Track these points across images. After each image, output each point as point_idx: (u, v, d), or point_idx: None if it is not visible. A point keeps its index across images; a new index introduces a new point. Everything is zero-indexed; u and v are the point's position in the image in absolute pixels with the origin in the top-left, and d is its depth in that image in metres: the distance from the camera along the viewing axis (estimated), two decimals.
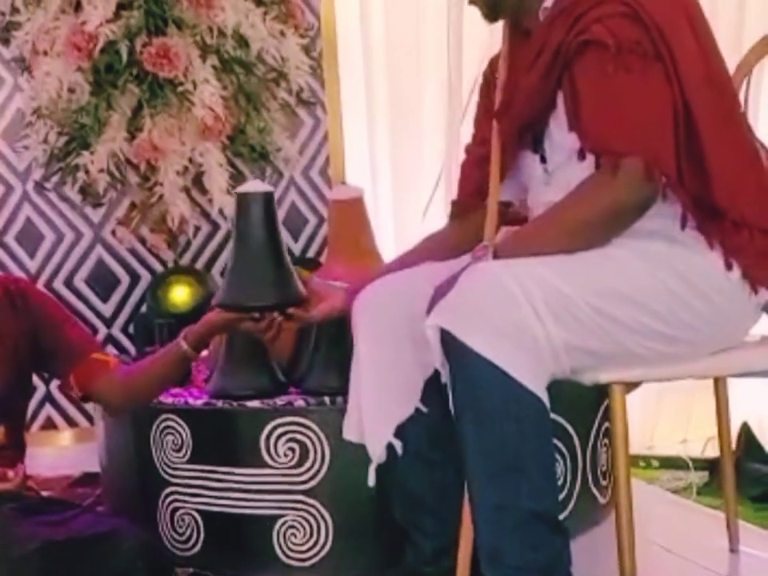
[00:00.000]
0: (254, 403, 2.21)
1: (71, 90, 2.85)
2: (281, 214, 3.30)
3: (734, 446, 3.13)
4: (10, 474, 1.95)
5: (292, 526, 2.20)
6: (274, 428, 2.18)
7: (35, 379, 2.88)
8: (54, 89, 2.84)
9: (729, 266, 1.79)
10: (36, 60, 2.91)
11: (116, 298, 3.17)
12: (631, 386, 1.86)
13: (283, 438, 2.18)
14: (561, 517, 1.74)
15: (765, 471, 3.16)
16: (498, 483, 1.66)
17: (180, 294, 2.95)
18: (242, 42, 2.91)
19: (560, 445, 2.26)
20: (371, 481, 1.93)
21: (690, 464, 3.25)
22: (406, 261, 2.07)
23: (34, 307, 2.13)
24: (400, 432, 1.93)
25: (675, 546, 2.29)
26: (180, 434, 2.26)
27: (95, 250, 3.14)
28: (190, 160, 2.91)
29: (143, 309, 3.10)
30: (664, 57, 1.72)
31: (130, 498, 2.41)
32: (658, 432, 3.53)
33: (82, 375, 2.11)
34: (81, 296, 3.14)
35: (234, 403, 2.22)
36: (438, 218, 3.48)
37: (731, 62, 1.94)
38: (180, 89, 2.83)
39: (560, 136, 1.84)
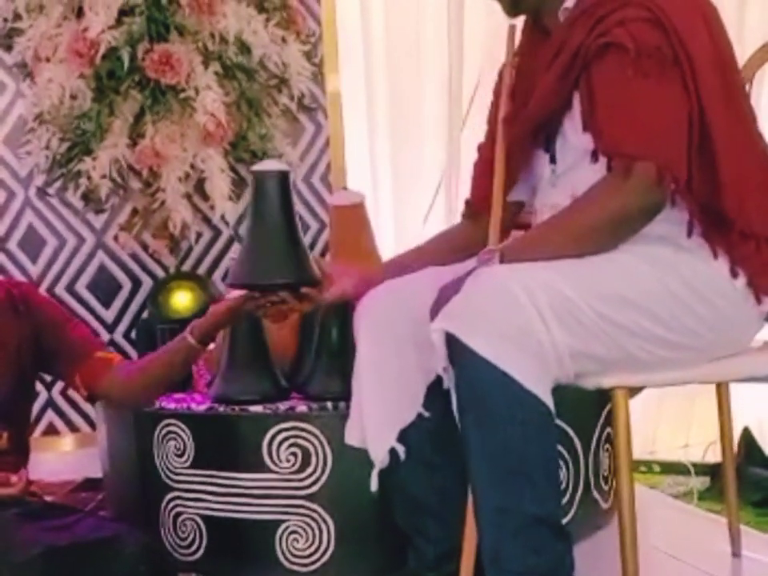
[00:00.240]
0: (257, 408, 2.21)
1: (73, 97, 2.85)
2: None
3: (735, 451, 3.14)
4: (14, 478, 1.95)
5: (294, 531, 2.20)
6: (277, 433, 2.18)
7: (38, 385, 2.91)
8: (56, 95, 2.84)
9: (734, 274, 1.79)
10: (38, 66, 2.91)
11: (118, 303, 3.17)
12: (634, 390, 1.86)
13: (285, 443, 2.18)
14: (563, 521, 1.74)
15: (766, 476, 3.16)
16: (501, 487, 1.66)
17: (182, 300, 2.95)
18: (244, 48, 2.92)
19: (562, 450, 2.27)
20: (374, 486, 1.93)
21: (692, 469, 3.25)
22: (415, 256, 2.07)
23: (36, 310, 2.14)
24: (402, 437, 1.93)
25: (677, 550, 2.29)
26: (182, 439, 2.26)
27: (97, 255, 3.14)
28: (192, 166, 2.91)
29: (145, 314, 3.11)
30: (682, 64, 1.73)
31: (133, 503, 2.41)
32: (659, 437, 3.54)
33: (88, 375, 2.12)
34: (83, 301, 3.14)
35: (237, 408, 2.23)
36: (438, 224, 3.49)
37: None
38: (182, 95, 2.83)
39: (573, 137, 1.84)
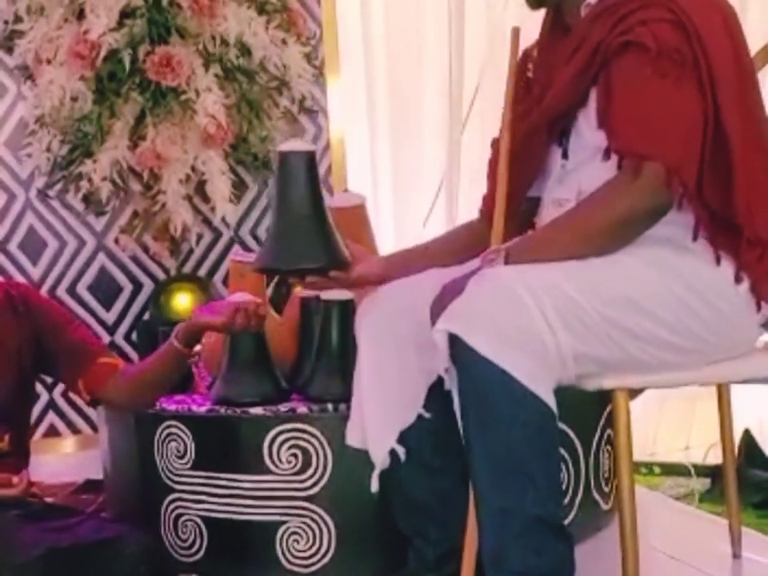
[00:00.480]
0: (257, 410, 2.21)
1: (74, 99, 2.86)
2: None
3: (735, 452, 3.14)
4: (15, 480, 1.95)
5: (295, 533, 2.20)
6: (277, 435, 2.18)
7: (39, 387, 2.92)
8: (57, 97, 2.85)
9: (738, 280, 1.79)
10: (39, 68, 2.92)
11: (119, 305, 3.18)
12: (635, 392, 1.86)
13: (286, 445, 2.18)
14: (564, 522, 1.74)
15: (766, 478, 3.16)
16: (503, 487, 1.66)
17: (182, 302, 2.95)
18: (245, 50, 2.92)
19: (563, 451, 2.26)
20: (374, 487, 1.93)
21: (692, 471, 3.25)
22: (430, 248, 2.06)
23: (36, 311, 2.14)
24: (402, 438, 1.93)
25: (677, 552, 2.29)
26: (183, 440, 2.26)
27: (98, 257, 3.15)
28: (193, 168, 2.92)
29: (146, 316, 3.11)
30: (701, 67, 1.73)
31: (134, 505, 2.41)
32: (660, 439, 3.54)
33: (91, 381, 2.12)
34: (84, 304, 3.14)
35: (237, 410, 2.23)
36: (438, 226, 3.49)
37: None
38: (183, 97, 2.84)
39: (587, 133, 1.84)
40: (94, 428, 2.95)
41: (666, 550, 2.29)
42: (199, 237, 3.14)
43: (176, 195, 2.91)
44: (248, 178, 3.21)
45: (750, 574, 2.21)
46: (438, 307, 1.73)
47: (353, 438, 2.00)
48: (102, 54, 2.80)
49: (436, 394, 1.89)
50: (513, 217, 1.96)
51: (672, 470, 3.38)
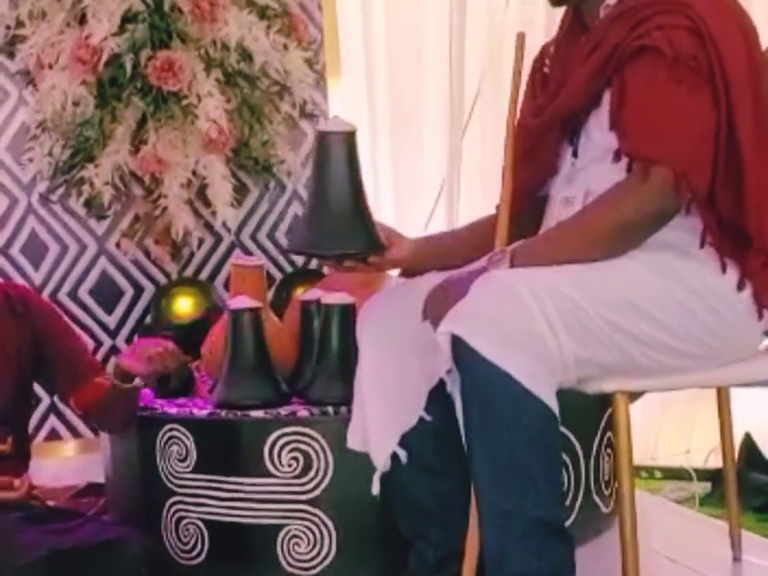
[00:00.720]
0: (258, 413, 2.22)
1: (76, 103, 2.87)
2: (283, 226, 3.32)
3: (736, 456, 3.14)
4: (16, 482, 1.96)
5: (296, 536, 2.20)
6: (278, 438, 2.19)
7: (40, 391, 2.92)
8: (59, 102, 2.85)
9: (741, 287, 1.80)
10: (41, 73, 2.93)
11: (120, 309, 3.18)
12: (635, 395, 1.86)
13: (287, 448, 2.19)
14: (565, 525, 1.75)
15: (767, 482, 3.16)
16: (505, 490, 1.66)
17: (183, 306, 2.96)
18: (246, 55, 2.93)
19: (563, 455, 2.27)
20: (375, 489, 1.94)
21: (693, 474, 3.25)
22: (445, 240, 2.07)
23: (36, 314, 2.15)
24: (404, 441, 1.93)
25: (678, 555, 2.29)
26: (184, 444, 2.27)
27: (99, 261, 3.15)
28: (194, 172, 2.92)
29: (147, 320, 3.11)
30: (716, 76, 1.74)
31: (135, 508, 2.42)
32: (661, 442, 3.53)
33: (82, 399, 2.16)
34: (85, 307, 3.14)
35: (238, 413, 2.23)
36: (439, 230, 3.49)
37: None
38: (184, 102, 2.85)
39: (598, 134, 1.85)
40: (96, 432, 2.94)
41: (666, 553, 2.30)
42: (200, 241, 3.14)
43: (177, 199, 2.91)
44: (249, 182, 3.21)
45: None
46: (432, 305, 1.73)
47: (354, 442, 2.01)
48: (104, 58, 2.81)
49: (437, 396, 1.89)
50: (524, 215, 1.97)
51: (673, 473, 3.38)
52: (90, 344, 3.05)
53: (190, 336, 2.61)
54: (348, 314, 2.23)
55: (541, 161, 1.96)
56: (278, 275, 3.25)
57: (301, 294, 2.65)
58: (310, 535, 2.20)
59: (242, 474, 2.22)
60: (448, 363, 1.71)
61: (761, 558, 2.25)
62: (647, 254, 1.76)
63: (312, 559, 2.20)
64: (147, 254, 3.16)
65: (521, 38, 1.95)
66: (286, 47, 3.00)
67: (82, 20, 2.87)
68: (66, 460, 3.05)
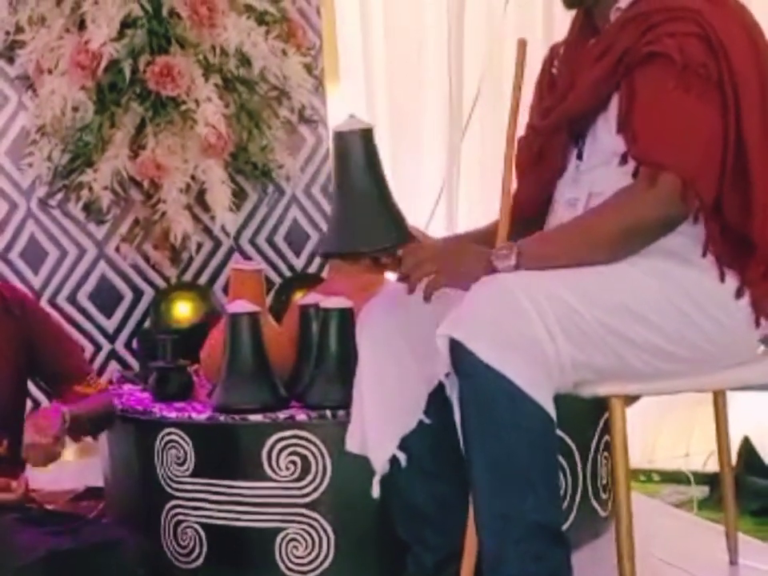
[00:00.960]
0: (256, 417, 2.22)
1: (75, 109, 2.88)
2: (282, 231, 3.33)
3: (733, 459, 3.15)
4: (13, 484, 1.96)
5: (294, 539, 2.21)
6: (276, 442, 2.19)
7: (37, 393, 2.93)
8: (58, 107, 2.87)
9: (740, 295, 1.81)
10: (40, 78, 2.94)
11: (119, 313, 3.19)
12: (630, 399, 1.87)
13: (285, 452, 2.19)
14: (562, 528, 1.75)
15: (765, 485, 3.16)
16: (504, 494, 1.67)
17: (182, 310, 2.96)
18: (245, 60, 2.94)
19: (560, 458, 2.27)
20: (375, 492, 1.94)
21: (692, 478, 3.25)
22: (470, 237, 2.05)
23: (32, 316, 2.16)
24: (402, 445, 1.93)
25: (675, 558, 2.29)
26: (183, 447, 2.27)
27: (98, 266, 3.16)
28: (193, 177, 2.94)
29: (146, 324, 3.12)
30: (725, 84, 1.74)
31: (133, 512, 2.42)
32: (659, 446, 3.54)
33: (63, 403, 2.16)
34: (84, 312, 3.15)
35: (237, 417, 2.23)
36: (439, 233, 3.50)
37: None
38: (183, 107, 2.86)
39: (604, 137, 1.85)
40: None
41: (663, 557, 2.30)
42: (199, 245, 3.15)
43: (176, 204, 2.93)
44: (248, 186, 3.22)
45: None
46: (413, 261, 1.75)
47: (352, 445, 2.01)
48: (103, 64, 2.82)
49: (436, 400, 1.90)
50: (533, 222, 1.96)
51: (671, 477, 3.39)
52: (88, 349, 3.06)
53: (189, 340, 2.61)
54: (346, 318, 2.24)
55: (549, 162, 1.96)
56: (277, 279, 3.26)
57: (300, 298, 2.65)
58: (308, 539, 2.20)
59: (241, 478, 2.22)
60: (447, 367, 1.72)
61: (758, 561, 2.25)
62: (646, 259, 1.77)
63: (310, 563, 2.21)
64: (146, 258, 3.17)
65: (522, 45, 1.92)
66: (284, 52, 3.01)
67: (82, 25, 2.88)
68: (65, 464, 3.04)
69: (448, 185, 3.58)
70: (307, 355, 2.34)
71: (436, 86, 3.56)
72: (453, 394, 1.79)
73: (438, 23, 3.54)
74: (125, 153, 2.89)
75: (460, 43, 3.53)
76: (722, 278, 1.80)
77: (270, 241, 3.32)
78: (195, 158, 2.90)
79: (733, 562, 2.21)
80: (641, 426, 3.39)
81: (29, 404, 2.91)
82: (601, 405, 1.89)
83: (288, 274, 3.32)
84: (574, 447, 2.33)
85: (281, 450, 2.19)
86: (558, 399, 1.70)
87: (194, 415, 2.29)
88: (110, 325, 3.18)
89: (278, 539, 2.21)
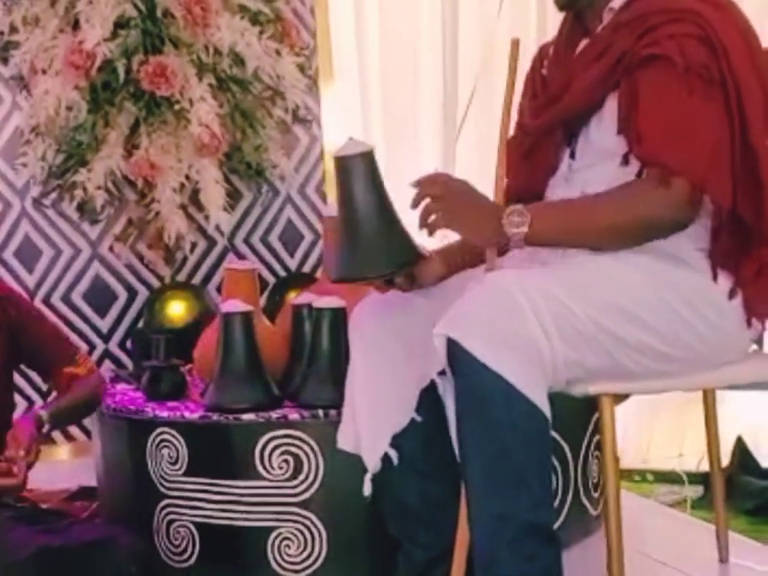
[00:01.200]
0: (249, 416, 2.22)
1: (69, 108, 2.88)
2: (276, 230, 3.33)
3: (727, 459, 3.15)
4: (15, 469, 1.95)
5: (286, 538, 2.21)
6: (269, 441, 2.19)
7: (32, 393, 2.94)
8: (52, 107, 2.87)
9: (732, 295, 1.81)
10: (34, 78, 2.94)
11: (113, 313, 3.19)
12: (620, 398, 1.87)
13: (278, 451, 2.19)
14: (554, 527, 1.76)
15: (759, 485, 3.16)
16: (499, 494, 1.67)
17: (176, 310, 2.96)
18: (238, 60, 2.94)
19: (552, 458, 2.27)
20: (367, 490, 1.95)
21: (685, 478, 3.25)
22: (462, 243, 2.03)
23: (8, 304, 2.17)
24: (394, 442, 1.94)
25: (666, 557, 2.30)
26: (176, 447, 2.28)
27: (92, 265, 3.16)
28: (187, 177, 2.94)
29: (140, 324, 3.12)
30: (727, 84, 1.74)
31: (127, 511, 2.42)
32: (653, 446, 3.54)
33: (56, 388, 2.16)
34: (78, 311, 3.16)
35: (230, 416, 2.24)
36: (434, 237, 3.50)
37: None
38: (177, 107, 2.86)
39: (597, 136, 1.85)
40: (88, 435, 2.96)
41: (655, 555, 2.31)
42: (193, 245, 3.16)
43: (170, 204, 2.93)
44: (242, 186, 3.23)
45: None
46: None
47: (344, 442, 2.01)
48: (97, 63, 2.82)
49: (428, 398, 1.90)
50: None
51: (665, 477, 3.38)
52: (82, 348, 3.06)
53: (183, 340, 2.61)
54: (339, 318, 2.24)
55: (541, 161, 1.97)
56: (272, 279, 3.27)
57: (293, 297, 2.66)
58: (301, 537, 2.21)
59: (233, 477, 2.22)
60: (441, 365, 1.72)
61: (749, 559, 2.26)
62: (641, 258, 1.77)
63: (303, 561, 2.21)
64: (140, 258, 3.17)
65: (515, 44, 1.92)
66: (278, 52, 3.01)
67: (76, 26, 2.88)
68: (59, 463, 3.06)
69: None
70: (300, 355, 2.35)
71: (430, 86, 3.56)
72: (445, 392, 1.79)
73: (433, 24, 3.54)
74: (119, 152, 2.89)
75: (454, 43, 3.53)
76: (715, 278, 1.80)
77: (265, 240, 3.33)
78: (189, 157, 2.90)
79: (723, 560, 2.21)
80: (635, 427, 3.40)
81: (24, 403, 2.98)
82: (592, 405, 1.89)
83: (282, 273, 3.32)
84: (565, 446, 2.34)
85: (273, 449, 2.19)
86: (551, 399, 1.70)
87: (186, 414, 2.30)
88: (104, 324, 3.18)
89: (271, 538, 2.21)
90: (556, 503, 2.30)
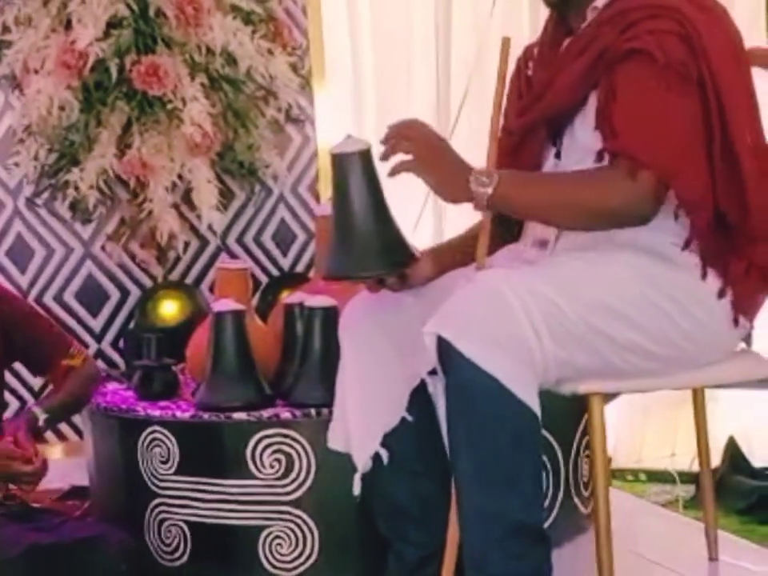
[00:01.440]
0: (241, 415, 2.23)
1: (61, 108, 2.88)
2: (269, 230, 3.33)
3: (719, 459, 3.16)
4: (33, 456, 1.97)
5: (278, 537, 2.21)
6: (260, 440, 2.20)
7: (25, 393, 2.93)
8: (45, 106, 2.87)
9: (722, 294, 1.81)
10: (27, 78, 2.94)
11: (106, 312, 3.19)
12: (609, 396, 1.88)
13: (269, 450, 2.20)
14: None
15: (750, 485, 3.17)
16: (489, 492, 1.67)
17: (169, 309, 2.97)
18: (231, 60, 2.94)
19: (543, 457, 2.28)
20: (356, 489, 1.95)
21: (677, 478, 3.26)
22: (452, 243, 2.07)
23: (3, 303, 2.16)
24: (385, 442, 1.94)
25: (657, 555, 2.31)
26: (167, 446, 2.28)
27: (85, 265, 3.16)
28: (179, 176, 2.93)
29: (132, 324, 3.12)
30: (706, 83, 1.75)
31: (119, 510, 2.43)
32: (645, 445, 3.55)
33: (53, 382, 2.16)
34: (71, 311, 3.16)
35: (221, 415, 2.24)
36: (427, 233, 3.50)
37: None
38: (169, 106, 2.86)
39: (582, 135, 1.85)
40: (80, 434, 2.96)
41: (647, 555, 2.31)
42: (186, 244, 3.16)
43: (162, 203, 2.93)
44: (234, 186, 3.22)
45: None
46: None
47: (335, 442, 2.02)
48: (89, 63, 2.82)
49: (419, 398, 1.91)
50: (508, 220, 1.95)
51: (657, 476, 3.39)
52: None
53: (175, 339, 2.61)
54: (330, 317, 2.24)
55: (525, 161, 1.96)
56: (265, 279, 3.27)
57: (286, 297, 2.66)
58: (292, 536, 2.21)
59: (225, 476, 2.23)
60: (431, 364, 1.72)
61: (738, 558, 2.27)
62: (630, 257, 1.77)
63: (294, 560, 2.22)
64: (133, 257, 3.17)
65: (506, 43, 1.91)
66: (270, 52, 3.01)
67: (68, 25, 2.88)
68: (52, 463, 3.04)
69: None
70: (291, 354, 2.35)
71: (423, 86, 3.56)
72: (435, 391, 1.80)
73: (426, 23, 3.54)
74: (111, 152, 2.89)
75: (447, 43, 3.53)
76: (704, 277, 1.81)
77: (257, 240, 3.33)
78: (181, 156, 2.90)
79: (712, 558, 2.22)
80: (628, 427, 3.40)
81: (19, 403, 2.98)
82: (582, 404, 1.89)
83: (275, 273, 3.32)
84: (556, 445, 2.34)
85: (265, 448, 2.20)
86: (542, 398, 1.71)
87: (178, 413, 2.30)
88: (97, 324, 3.18)
89: (262, 537, 2.22)
90: (547, 502, 2.30)
